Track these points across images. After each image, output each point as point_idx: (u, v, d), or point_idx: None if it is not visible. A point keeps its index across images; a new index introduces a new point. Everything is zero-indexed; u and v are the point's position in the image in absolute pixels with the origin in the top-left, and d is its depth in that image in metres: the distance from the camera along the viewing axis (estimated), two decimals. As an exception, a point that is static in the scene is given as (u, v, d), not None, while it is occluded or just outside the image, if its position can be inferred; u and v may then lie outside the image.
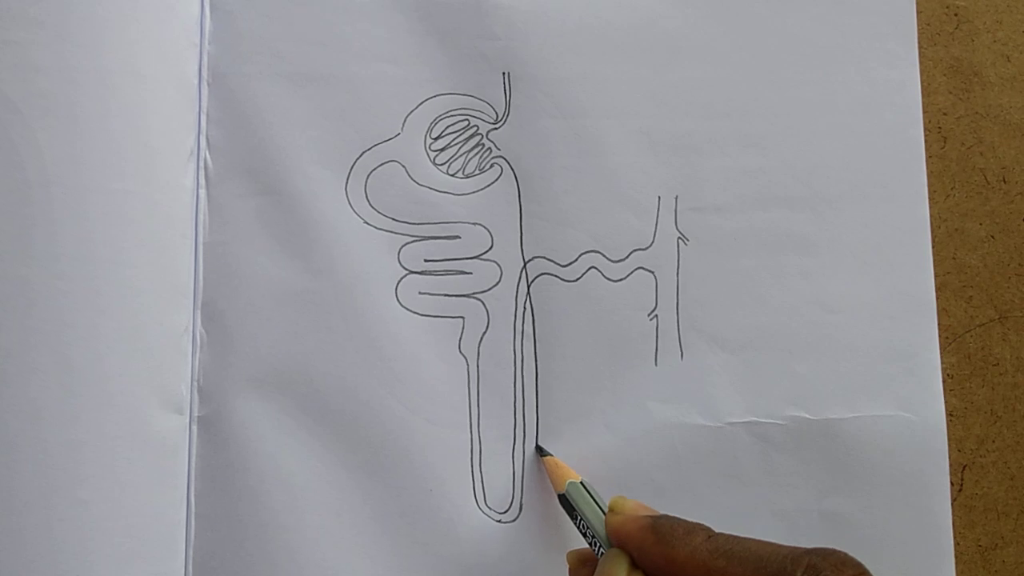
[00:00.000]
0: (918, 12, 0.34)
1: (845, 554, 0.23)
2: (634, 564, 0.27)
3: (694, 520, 0.26)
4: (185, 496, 0.32)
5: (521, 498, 0.32)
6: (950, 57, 0.34)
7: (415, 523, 0.32)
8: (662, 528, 0.26)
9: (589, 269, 0.34)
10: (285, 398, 0.33)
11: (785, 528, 0.33)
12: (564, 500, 0.30)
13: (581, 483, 0.30)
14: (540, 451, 0.33)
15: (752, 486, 0.33)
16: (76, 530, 0.31)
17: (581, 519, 0.30)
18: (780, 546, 0.24)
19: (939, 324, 0.33)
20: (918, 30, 0.34)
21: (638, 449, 0.33)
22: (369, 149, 0.35)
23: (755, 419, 0.33)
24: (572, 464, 0.32)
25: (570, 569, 0.31)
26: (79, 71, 0.32)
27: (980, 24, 0.34)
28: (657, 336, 0.33)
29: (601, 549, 0.28)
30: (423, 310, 0.34)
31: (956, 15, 0.34)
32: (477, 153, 0.35)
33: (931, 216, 0.33)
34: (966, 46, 0.34)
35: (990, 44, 0.34)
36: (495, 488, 0.32)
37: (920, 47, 0.34)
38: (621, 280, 0.34)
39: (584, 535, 0.29)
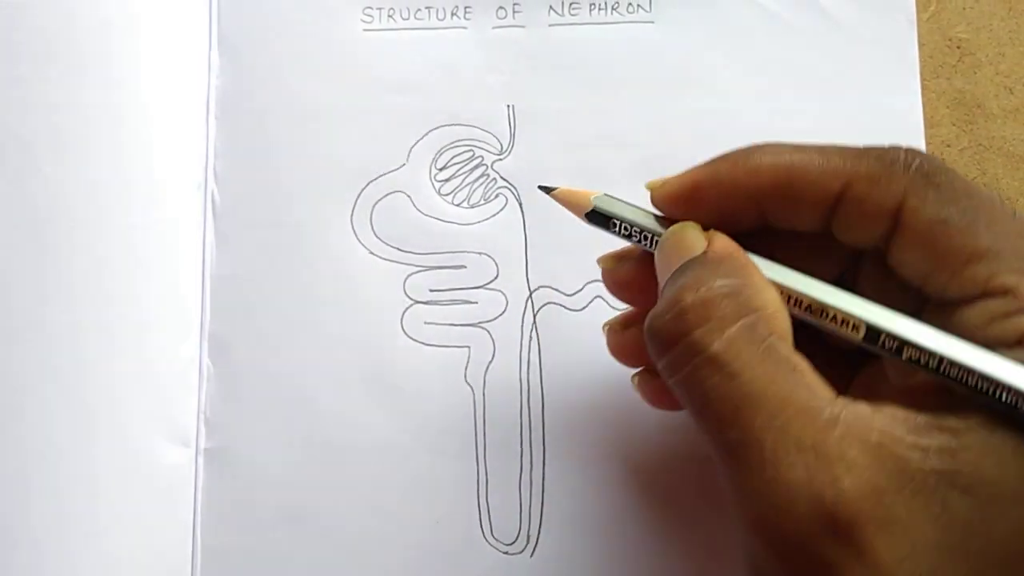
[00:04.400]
0: (921, 45, 0.34)
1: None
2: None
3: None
4: (191, 528, 0.32)
5: (528, 529, 0.32)
6: (953, 89, 0.34)
7: (422, 555, 0.32)
8: (727, 153, 0.25)
9: (595, 298, 0.34)
10: (291, 430, 0.33)
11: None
12: (595, 214, 0.27)
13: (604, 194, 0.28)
14: (546, 190, 0.29)
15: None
16: (81, 563, 0.31)
17: (620, 223, 0.26)
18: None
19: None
20: (921, 63, 0.34)
21: (646, 477, 0.33)
22: (374, 180, 0.35)
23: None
24: (580, 490, 0.32)
25: (604, 272, 0.28)
26: (88, 107, 0.33)
27: (983, 57, 0.35)
28: (663, 366, 0.33)
29: (653, 238, 0.26)
30: (429, 340, 0.34)
31: (959, 48, 0.35)
32: (482, 183, 0.35)
33: (935, 247, 0.33)
34: (969, 79, 0.34)
35: (993, 76, 0.34)
36: (502, 519, 0.32)
37: (923, 79, 0.34)
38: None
39: (629, 237, 0.26)
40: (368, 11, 0.36)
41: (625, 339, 0.28)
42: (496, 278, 0.34)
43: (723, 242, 0.24)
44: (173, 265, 0.33)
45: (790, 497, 0.20)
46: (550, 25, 0.36)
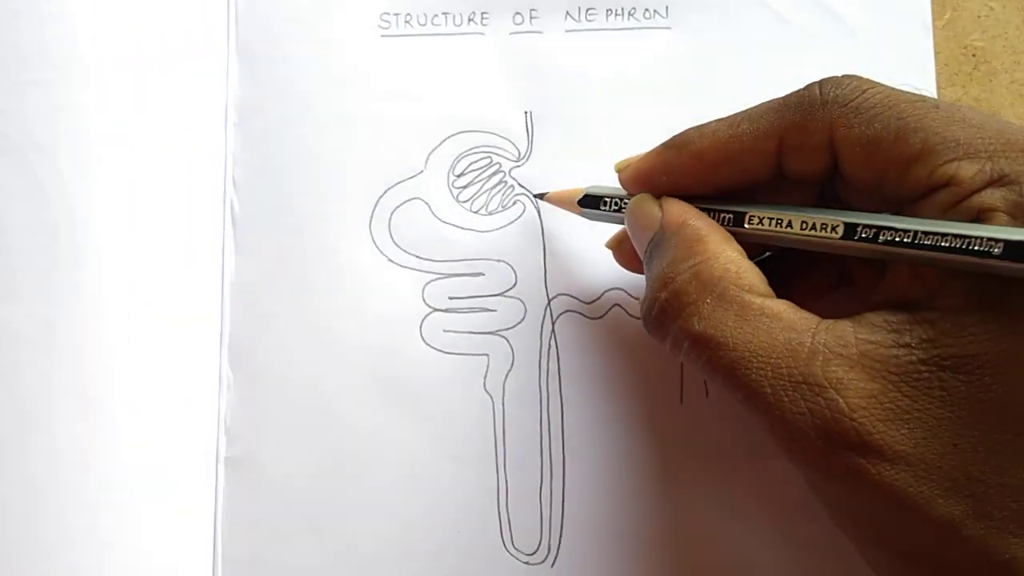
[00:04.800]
0: (936, 53, 0.35)
1: None
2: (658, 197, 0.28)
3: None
4: (212, 538, 0.32)
5: (550, 540, 0.32)
6: (969, 98, 0.35)
7: (442, 564, 0.32)
8: (672, 140, 0.27)
9: (613, 307, 0.34)
10: (311, 438, 0.33)
11: None
12: (587, 199, 0.30)
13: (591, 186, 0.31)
14: (539, 196, 0.33)
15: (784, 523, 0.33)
16: (103, 572, 0.31)
17: (608, 202, 0.30)
18: None
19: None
20: (936, 71, 0.34)
21: (668, 486, 0.33)
22: (392, 187, 0.35)
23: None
24: (601, 499, 0.32)
25: (614, 253, 0.32)
26: (107, 113, 0.33)
27: (998, 65, 0.35)
28: (682, 374, 0.33)
29: None
30: (448, 348, 0.34)
31: (974, 56, 0.35)
32: (500, 191, 0.35)
33: (953, 256, 0.33)
34: (984, 87, 0.35)
35: (1008, 84, 0.35)
36: (523, 529, 0.32)
37: (939, 88, 0.34)
38: (645, 317, 0.34)
39: (619, 211, 0.30)
40: (385, 17, 0.36)
41: None
42: (514, 286, 0.34)
43: (674, 211, 0.27)
44: (192, 273, 0.33)
45: (801, 429, 0.22)
46: (567, 31, 0.36)
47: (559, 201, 0.33)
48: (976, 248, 0.21)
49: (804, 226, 0.25)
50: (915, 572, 0.23)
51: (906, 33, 0.35)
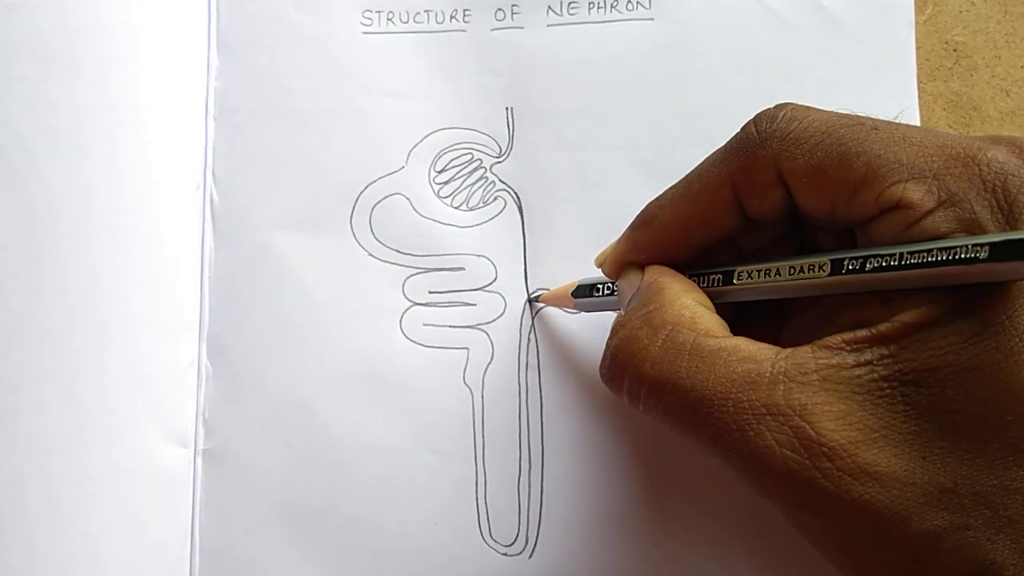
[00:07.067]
0: (917, 48, 0.35)
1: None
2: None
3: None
4: (189, 530, 0.32)
5: (527, 531, 0.32)
6: (950, 92, 0.35)
7: (420, 556, 0.32)
8: (637, 220, 0.28)
9: (593, 301, 0.34)
10: (290, 431, 0.33)
11: None
12: (581, 289, 0.31)
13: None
14: (535, 299, 0.34)
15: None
16: (80, 565, 0.31)
17: (600, 288, 0.30)
18: None
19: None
20: (917, 65, 0.34)
21: (645, 478, 0.33)
22: (374, 182, 0.35)
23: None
24: (579, 491, 0.32)
25: None
26: (87, 107, 0.33)
27: (979, 59, 0.35)
28: (661, 368, 0.33)
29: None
30: (428, 341, 0.34)
31: (955, 51, 0.35)
32: (481, 186, 0.35)
33: (932, 249, 0.33)
34: (965, 81, 0.35)
35: (989, 79, 0.35)
36: (501, 521, 0.32)
37: (920, 82, 0.34)
38: (625, 312, 0.34)
39: (613, 293, 0.30)
40: (367, 14, 0.36)
41: None
42: (495, 280, 0.34)
43: (651, 272, 0.27)
44: (172, 266, 0.33)
45: (770, 461, 0.22)
46: (548, 25, 0.36)
47: (554, 300, 0.33)
48: (963, 256, 0.21)
49: (792, 271, 0.25)
50: None
51: (888, 27, 0.35)
